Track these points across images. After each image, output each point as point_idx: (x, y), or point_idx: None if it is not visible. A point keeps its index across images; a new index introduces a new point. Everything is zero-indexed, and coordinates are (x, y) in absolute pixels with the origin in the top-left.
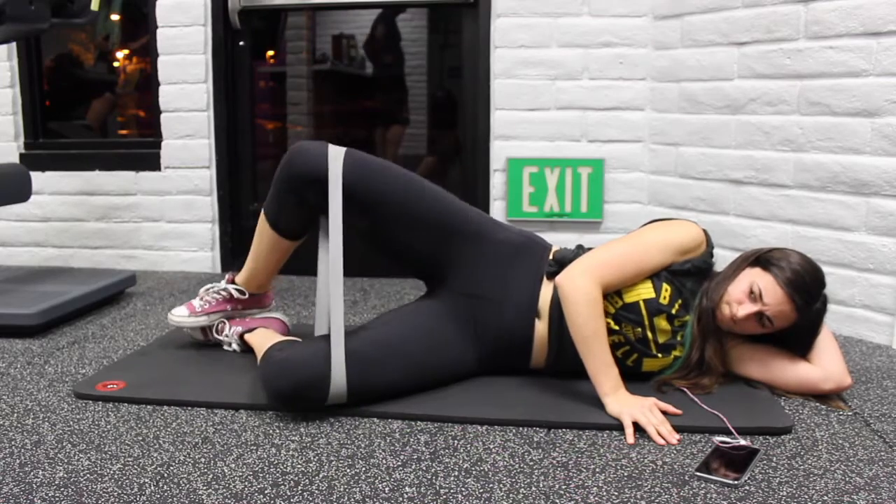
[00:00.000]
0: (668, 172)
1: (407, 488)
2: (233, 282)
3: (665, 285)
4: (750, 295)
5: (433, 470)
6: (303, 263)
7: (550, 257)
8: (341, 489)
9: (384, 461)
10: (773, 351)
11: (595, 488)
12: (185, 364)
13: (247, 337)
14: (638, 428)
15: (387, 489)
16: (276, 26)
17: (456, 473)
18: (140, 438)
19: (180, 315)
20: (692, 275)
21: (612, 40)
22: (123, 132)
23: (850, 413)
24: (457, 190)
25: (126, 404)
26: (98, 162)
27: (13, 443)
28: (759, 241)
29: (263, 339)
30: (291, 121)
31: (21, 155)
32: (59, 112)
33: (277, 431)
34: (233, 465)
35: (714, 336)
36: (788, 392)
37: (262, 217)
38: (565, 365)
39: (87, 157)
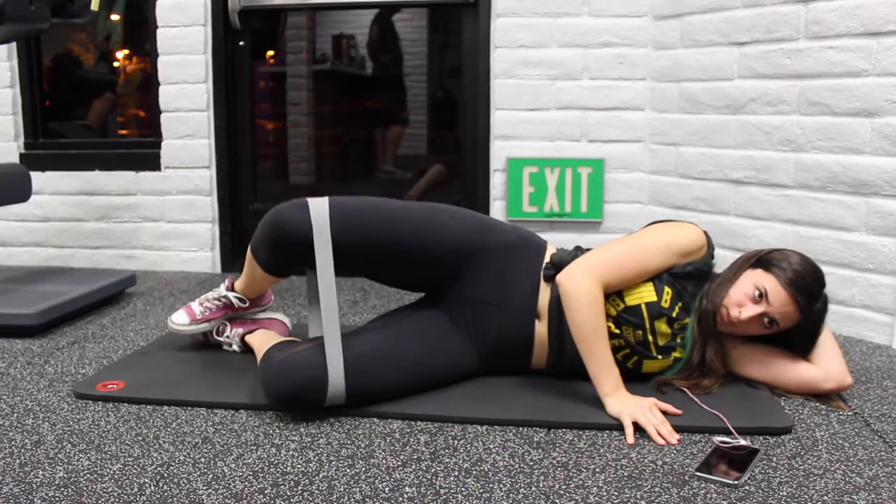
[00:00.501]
0: (668, 172)
1: (407, 488)
2: (232, 287)
3: (667, 288)
4: (754, 297)
5: (433, 470)
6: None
7: (548, 259)
8: (341, 489)
9: (384, 461)
10: (773, 351)
11: (595, 488)
12: (185, 364)
13: (247, 338)
14: (638, 428)
15: (387, 489)
16: (276, 26)
17: (456, 473)
18: (140, 438)
19: (181, 322)
20: (693, 277)
21: (612, 40)
22: (123, 132)
23: (850, 413)
24: (457, 190)
25: (126, 404)
26: (98, 162)
27: (13, 443)
28: (759, 241)
29: (264, 340)
30: (291, 121)
31: (21, 155)
32: (59, 112)
33: (277, 431)
34: (233, 465)
35: (715, 338)
36: (789, 392)
37: (250, 255)
38: (566, 365)
39: (87, 157)
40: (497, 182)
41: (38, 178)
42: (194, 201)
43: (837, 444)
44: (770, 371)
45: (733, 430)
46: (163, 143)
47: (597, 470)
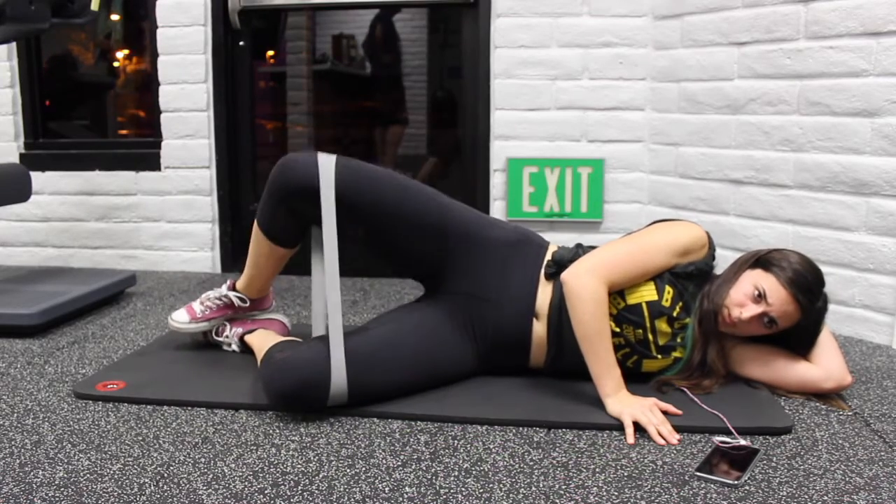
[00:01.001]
0: (668, 172)
1: (407, 488)
2: (233, 288)
3: (668, 287)
4: (754, 297)
5: (433, 470)
6: (303, 263)
7: (549, 257)
8: (341, 489)
9: (384, 461)
10: (773, 351)
11: (595, 488)
12: (185, 364)
13: (247, 338)
14: (638, 428)
15: (387, 489)
16: (276, 26)
17: (456, 473)
18: (140, 438)
19: (181, 321)
20: (694, 277)
21: (612, 40)
22: (123, 132)
23: (850, 413)
24: (457, 190)
25: (126, 404)
26: (98, 162)
27: (13, 443)
28: (759, 241)
29: (263, 340)
30: (291, 121)
31: (21, 155)
32: (59, 112)
33: (277, 431)
34: (233, 465)
35: (716, 339)
36: (789, 391)
37: (255, 226)
38: (564, 365)
39: (87, 157)
40: (497, 182)
41: (38, 178)
42: (194, 201)
43: (837, 444)
44: (770, 371)
45: (733, 430)
46: (163, 143)
47: (597, 470)
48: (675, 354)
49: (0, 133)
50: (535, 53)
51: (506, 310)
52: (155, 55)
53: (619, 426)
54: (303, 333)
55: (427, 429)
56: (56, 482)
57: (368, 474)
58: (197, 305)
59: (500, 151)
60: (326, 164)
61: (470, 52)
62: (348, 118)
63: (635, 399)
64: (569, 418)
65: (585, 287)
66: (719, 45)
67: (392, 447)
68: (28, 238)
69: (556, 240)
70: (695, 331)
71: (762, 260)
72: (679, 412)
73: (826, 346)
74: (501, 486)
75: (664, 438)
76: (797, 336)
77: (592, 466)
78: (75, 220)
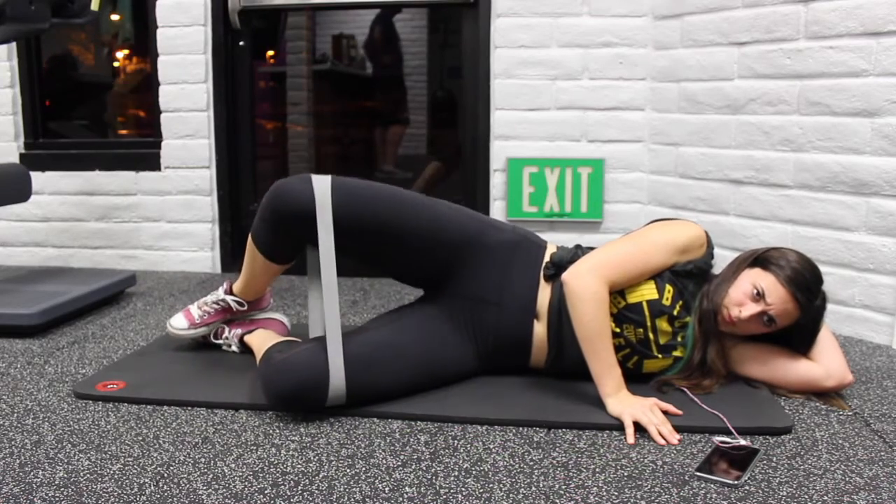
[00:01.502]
0: (668, 172)
1: (407, 488)
2: (230, 291)
3: (668, 286)
4: (752, 296)
5: (433, 470)
6: (303, 264)
7: (547, 258)
8: (341, 489)
9: (384, 461)
10: (773, 350)
11: (595, 488)
12: (185, 364)
13: (246, 338)
14: (638, 428)
15: (387, 489)
16: (276, 26)
17: (456, 473)
18: (140, 438)
19: (180, 327)
20: (694, 276)
21: (612, 40)
22: (123, 132)
23: (850, 413)
24: (457, 190)
25: (126, 404)
26: (98, 162)
27: (13, 443)
28: (759, 241)
29: (263, 341)
30: (291, 121)
31: (21, 155)
32: (58, 112)
33: (277, 431)
34: (233, 465)
35: (715, 338)
36: (790, 391)
37: (251, 242)
38: (565, 366)
39: (87, 157)
40: (497, 182)
41: (38, 178)
42: (194, 201)
43: (837, 444)
44: (770, 370)
45: (733, 430)
46: (163, 143)
47: (597, 470)
48: (676, 354)
49: (0, 133)
50: (535, 53)
51: (507, 312)
52: (155, 55)
53: (619, 426)
54: (303, 333)
55: (427, 429)
56: (56, 482)
57: (368, 474)
58: (195, 310)
59: (500, 151)
60: (322, 188)
61: (470, 52)
62: (348, 118)
63: (636, 399)
64: (569, 418)
65: (586, 287)
66: (719, 45)
67: (392, 447)
68: (28, 238)
69: (556, 240)
70: (695, 330)
71: (761, 259)
72: (679, 412)
73: (826, 344)
74: (501, 486)
75: (664, 438)
76: (797, 335)
77: (592, 466)
78: (75, 220)
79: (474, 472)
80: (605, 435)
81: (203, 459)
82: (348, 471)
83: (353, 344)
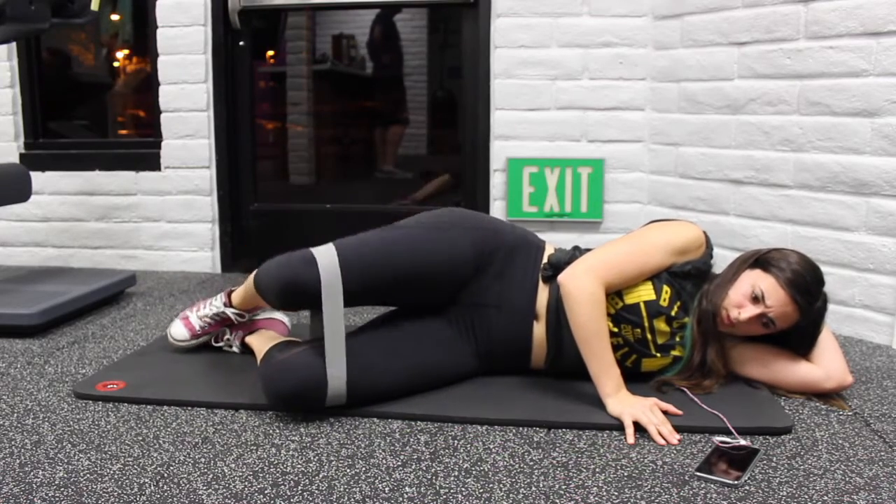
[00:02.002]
0: (668, 172)
1: (407, 488)
2: (230, 303)
3: (665, 287)
4: (752, 297)
5: (433, 470)
6: None
7: (545, 260)
8: (341, 489)
9: (384, 461)
10: (773, 351)
11: (595, 488)
12: (185, 364)
13: (247, 339)
14: (638, 428)
15: (387, 489)
16: (276, 26)
17: (456, 473)
18: (140, 438)
19: (182, 338)
20: (692, 277)
21: (612, 40)
22: (123, 132)
23: (850, 413)
24: (457, 190)
25: (126, 404)
26: (98, 162)
27: (13, 443)
28: (759, 241)
29: (264, 341)
30: (291, 121)
31: (21, 155)
32: (58, 112)
33: (277, 431)
34: (233, 465)
35: (715, 339)
36: (790, 392)
37: (255, 290)
38: (565, 366)
39: (87, 157)
40: (497, 182)
41: (38, 178)
42: (194, 201)
43: (837, 444)
44: (770, 371)
45: (733, 430)
46: (163, 143)
47: (597, 470)
48: (675, 353)
49: (0, 133)
50: (535, 53)
51: (506, 314)
52: (155, 55)
53: (619, 426)
54: (303, 334)
55: (427, 429)
56: (56, 482)
57: (368, 474)
58: (195, 320)
59: (500, 151)
60: (328, 263)
61: (470, 52)
62: (348, 118)
63: (636, 399)
64: (569, 418)
65: (583, 289)
66: (719, 45)
67: (392, 447)
68: (28, 238)
69: (556, 240)
70: (694, 331)
71: (761, 260)
72: (679, 412)
73: (827, 346)
74: (501, 486)
75: (664, 438)
76: (797, 336)
77: (592, 466)
78: (75, 220)
79: (474, 472)
80: (605, 435)
81: (203, 459)
82: (348, 471)
83: (353, 344)
